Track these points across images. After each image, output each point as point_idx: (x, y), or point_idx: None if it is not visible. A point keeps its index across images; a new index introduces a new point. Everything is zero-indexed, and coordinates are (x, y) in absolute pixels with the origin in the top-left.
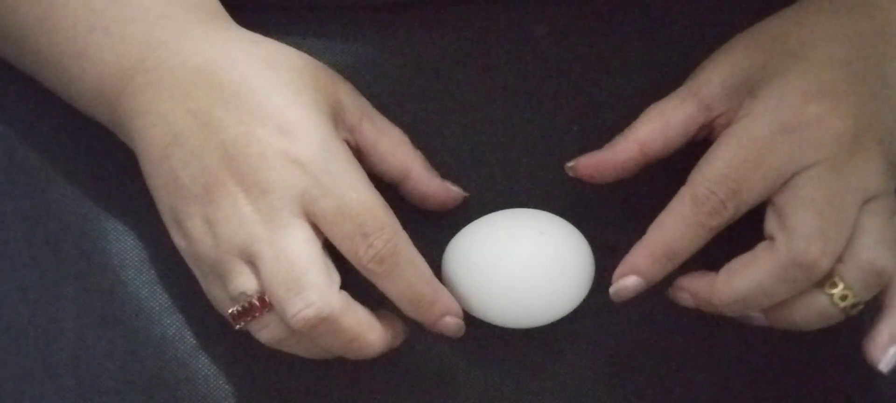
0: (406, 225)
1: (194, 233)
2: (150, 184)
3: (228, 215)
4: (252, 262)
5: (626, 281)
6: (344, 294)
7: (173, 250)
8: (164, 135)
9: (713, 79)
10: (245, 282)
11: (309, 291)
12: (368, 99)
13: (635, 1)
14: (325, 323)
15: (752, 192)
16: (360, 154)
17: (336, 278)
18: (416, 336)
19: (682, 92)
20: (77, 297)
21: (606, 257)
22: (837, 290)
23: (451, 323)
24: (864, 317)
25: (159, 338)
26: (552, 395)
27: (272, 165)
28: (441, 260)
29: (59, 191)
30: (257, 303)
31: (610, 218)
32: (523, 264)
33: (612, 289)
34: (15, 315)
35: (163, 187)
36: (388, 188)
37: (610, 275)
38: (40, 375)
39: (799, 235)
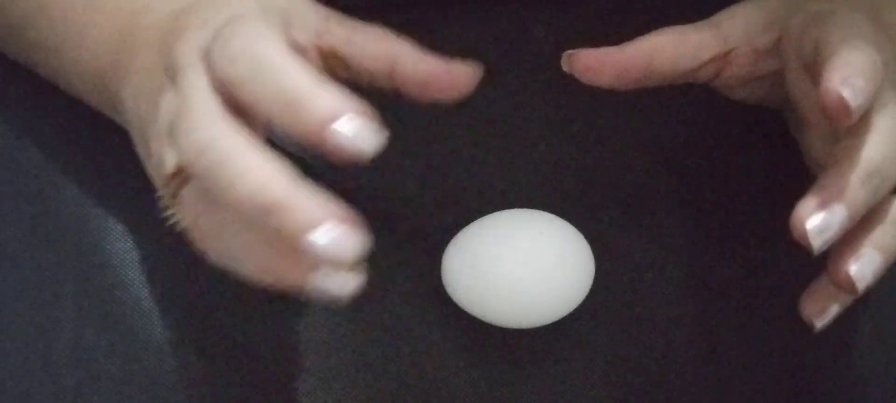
0: (406, 224)
1: (153, 151)
2: (135, 143)
3: (162, 110)
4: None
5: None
6: (242, 132)
7: (173, 250)
8: (138, 83)
9: (736, 16)
10: (167, 160)
11: (191, 121)
12: (368, 98)
13: (635, 1)
14: (204, 153)
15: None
16: (337, 57)
17: (234, 122)
18: (415, 335)
19: (702, 21)
20: (77, 297)
21: (606, 257)
22: None
23: (347, 127)
24: (863, 322)
25: (159, 338)
26: (552, 395)
27: (183, 39)
28: (441, 260)
29: (59, 191)
30: (170, 175)
31: (610, 218)
32: (523, 264)
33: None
34: (15, 315)
35: (138, 134)
36: (389, 189)
37: (610, 275)
38: (40, 375)
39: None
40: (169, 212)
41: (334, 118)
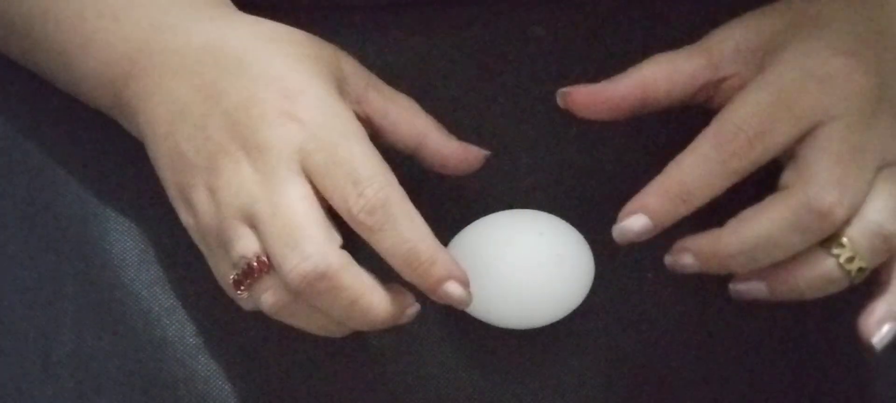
0: None
1: (199, 206)
2: (157, 166)
3: (230, 179)
4: (253, 224)
5: (633, 221)
6: (345, 252)
7: (173, 250)
8: (169, 113)
9: (727, 39)
10: (246, 245)
11: (305, 245)
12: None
13: (635, 1)
14: (322, 279)
15: (780, 135)
16: (371, 125)
17: (337, 237)
18: (416, 335)
19: (693, 47)
20: (77, 297)
21: (606, 257)
22: (844, 252)
23: (455, 290)
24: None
25: (159, 338)
26: (552, 396)
27: (271, 124)
28: None
29: (59, 191)
30: (256, 265)
31: (610, 218)
32: (523, 265)
33: (615, 229)
34: (15, 315)
35: (168, 165)
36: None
37: (610, 275)
38: (40, 375)
39: (817, 181)
40: (239, 292)
41: (447, 280)
